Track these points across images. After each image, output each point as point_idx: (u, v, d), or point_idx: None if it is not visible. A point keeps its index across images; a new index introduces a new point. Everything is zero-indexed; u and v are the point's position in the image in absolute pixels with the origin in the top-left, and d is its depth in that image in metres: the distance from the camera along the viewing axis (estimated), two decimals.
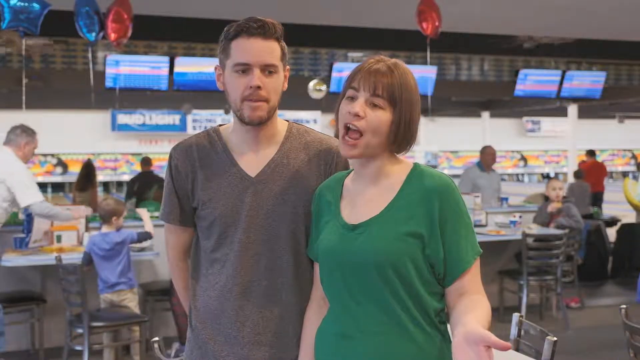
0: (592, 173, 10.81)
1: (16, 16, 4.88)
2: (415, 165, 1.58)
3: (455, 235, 1.50)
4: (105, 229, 4.51)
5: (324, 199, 1.66)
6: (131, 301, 4.48)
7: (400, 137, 1.54)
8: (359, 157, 1.56)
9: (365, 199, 1.58)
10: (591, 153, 11.97)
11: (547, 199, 7.25)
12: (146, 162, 9.11)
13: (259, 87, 1.65)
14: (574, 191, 9.70)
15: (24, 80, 5.82)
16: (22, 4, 4.86)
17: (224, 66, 1.71)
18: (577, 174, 10.37)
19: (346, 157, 1.59)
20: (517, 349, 2.45)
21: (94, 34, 5.66)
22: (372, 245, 1.50)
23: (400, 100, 1.51)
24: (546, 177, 22.31)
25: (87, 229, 5.17)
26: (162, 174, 9.63)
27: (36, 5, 4.92)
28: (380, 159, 1.57)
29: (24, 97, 5.71)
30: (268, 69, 1.67)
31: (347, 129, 1.53)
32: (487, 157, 7.21)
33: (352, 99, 1.53)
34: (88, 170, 8.13)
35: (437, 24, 6.09)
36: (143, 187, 8.28)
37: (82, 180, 7.97)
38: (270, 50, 1.67)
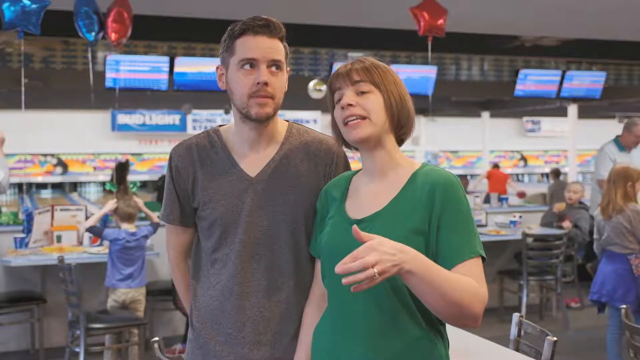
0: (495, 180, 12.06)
1: (16, 16, 4.87)
2: (424, 164, 1.59)
3: (451, 230, 1.47)
4: (126, 227, 4.55)
5: (330, 196, 1.67)
6: (141, 303, 4.52)
7: (398, 115, 1.56)
8: (366, 139, 1.55)
9: (370, 193, 1.58)
10: (496, 166, 13.65)
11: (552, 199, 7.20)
12: None
13: (266, 84, 1.65)
14: (556, 190, 10.11)
15: (23, 80, 5.81)
16: (21, 3, 4.85)
17: (228, 64, 1.71)
18: (555, 173, 11.14)
19: (355, 140, 1.55)
20: (517, 349, 2.45)
21: (93, 34, 5.65)
22: None
23: (382, 81, 1.55)
24: (546, 176, 22.32)
25: None
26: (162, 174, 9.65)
27: (35, 4, 4.91)
28: (387, 151, 1.58)
29: (23, 97, 5.70)
30: (275, 65, 1.67)
31: (347, 123, 1.56)
32: (629, 138, 6.03)
33: (340, 99, 1.57)
34: (118, 169, 8.30)
35: (440, 22, 6.07)
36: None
37: (117, 181, 8.11)
38: (275, 47, 1.68)
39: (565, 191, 6.27)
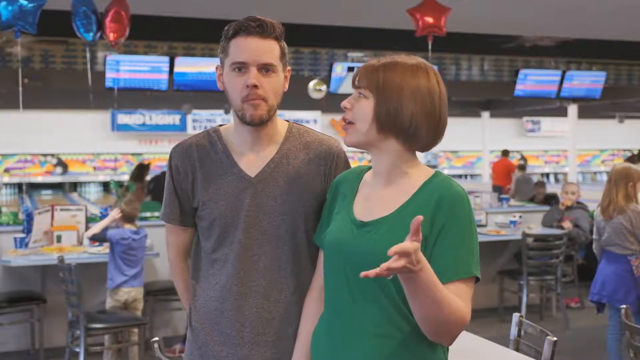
0: (500, 171, 11.88)
1: (13, 16, 4.86)
2: (437, 172, 1.56)
3: (449, 246, 1.45)
4: (128, 227, 4.55)
5: (340, 189, 1.66)
6: (141, 302, 4.52)
7: (385, 122, 1.51)
8: (355, 146, 1.57)
9: (379, 197, 1.57)
10: (505, 153, 12.71)
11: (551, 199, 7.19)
12: None
13: (255, 86, 1.65)
14: (519, 182, 10.34)
15: (21, 81, 5.81)
16: (18, 2, 4.84)
17: (223, 65, 1.71)
18: (520, 167, 11.35)
19: (345, 145, 1.63)
20: (517, 349, 2.45)
21: (91, 34, 5.65)
22: (378, 246, 1.46)
23: (382, 87, 1.51)
24: (546, 176, 22.30)
25: (87, 228, 5.17)
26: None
27: (31, 3, 4.90)
28: (392, 156, 1.55)
29: (20, 97, 5.70)
30: (265, 68, 1.66)
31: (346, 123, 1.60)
32: None
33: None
34: (138, 170, 8.31)
35: (440, 21, 6.07)
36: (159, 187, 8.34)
37: (134, 181, 8.11)
38: (268, 49, 1.67)
39: (561, 192, 6.28)
